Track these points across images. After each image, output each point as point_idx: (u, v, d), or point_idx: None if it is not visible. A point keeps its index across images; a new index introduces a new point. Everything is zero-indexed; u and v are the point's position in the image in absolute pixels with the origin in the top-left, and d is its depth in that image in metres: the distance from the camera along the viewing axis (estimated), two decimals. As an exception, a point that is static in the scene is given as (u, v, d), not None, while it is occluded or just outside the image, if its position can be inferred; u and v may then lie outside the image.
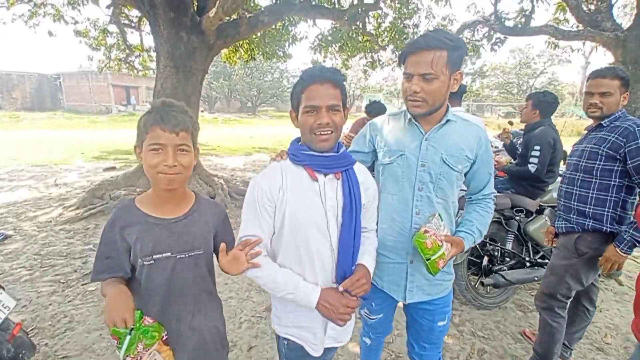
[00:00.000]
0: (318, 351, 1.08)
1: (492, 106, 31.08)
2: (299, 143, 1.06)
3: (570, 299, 1.76)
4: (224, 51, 7.43)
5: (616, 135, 1.55)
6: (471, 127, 1.20)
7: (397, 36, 7.44)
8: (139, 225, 0.96)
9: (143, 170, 5.01)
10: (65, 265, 3.04)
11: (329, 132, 0.97)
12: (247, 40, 7.00)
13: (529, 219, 2.48)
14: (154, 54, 7.60)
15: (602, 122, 1.64)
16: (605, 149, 1.57)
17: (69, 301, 2.50)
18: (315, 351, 1.08)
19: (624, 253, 1.49)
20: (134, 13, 7.26)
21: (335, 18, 5.82)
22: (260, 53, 7.68)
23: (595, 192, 1.62)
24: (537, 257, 2.53)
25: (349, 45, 7.79)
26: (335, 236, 1.02)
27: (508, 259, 2.48)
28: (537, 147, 2.28)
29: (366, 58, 8.72)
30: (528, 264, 2.47)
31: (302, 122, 0.99)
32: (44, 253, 3.27)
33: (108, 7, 6.44)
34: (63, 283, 2.74)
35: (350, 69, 10.61)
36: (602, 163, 1.59)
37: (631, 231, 1.47)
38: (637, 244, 1.47)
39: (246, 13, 4.81)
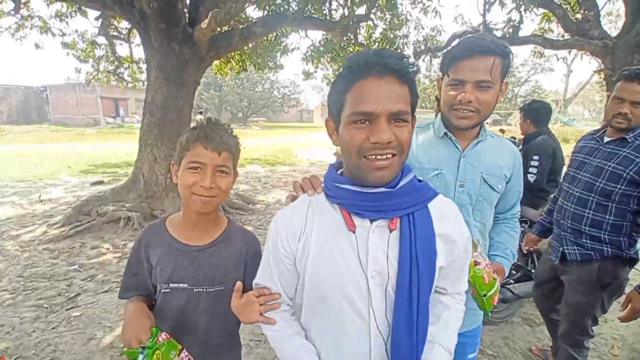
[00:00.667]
0: None
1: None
2: (339, 171, 0.75)
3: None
4: (216, 62, 7.39)
5: None
6: (505, 143, 1.10)
7: (387, 46, 7.53)
8: (162, 248, 0.90)
9: (132, 185, 4.82)
10: (49, 288, 2.87)
11: (390, 154, 0.63)
12: (238, 52, 6.98)
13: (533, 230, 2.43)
14: (143, 66, 7.52)
15: (627, 137, 1.44)
16: (631, 173, 1.38)
17: (53, 328, 2.34)
18: None
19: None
20: (124, 25, 7.19)
21: (327, 29, 5.84)
22: (252, 64, 7.66)
23: (612, 217, 1.47)
24: (542, 268, 2.47)
25: (341, 55, 7.83)
26: (382, 318, 0.68)
27: (514, 272, 2.42)
28: (536, 157, 2.26)
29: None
30: (534, 276, 2.41)
31: (346, 139, 0.64)
32: (26, 275, 3.09)
33: (97, 19, 6.35)
34: (47, 308, 2.58)
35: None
36: (623, 187, 1.41)
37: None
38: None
39: (239, 24, 4.78)
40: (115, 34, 7.32)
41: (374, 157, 0.62)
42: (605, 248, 1.50)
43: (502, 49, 0.92)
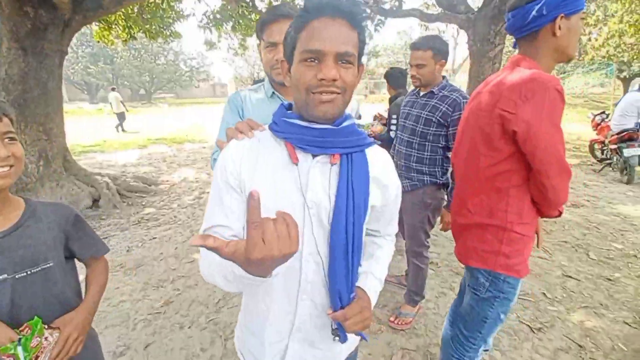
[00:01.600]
0: None
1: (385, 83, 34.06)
2: (289, 110, 0.77)
3: (429, 239, 2.15)
4: (95, 29, 6.38)
5: (446, 106, 1.78)
6: None
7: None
8: None
9: None
10: None
11: (336, 92, 0.66)
12: (121, 16, 6.13)
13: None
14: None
15: (433, 90, 1.84)
16: (437, 117, 1.81)
17: None
18: None
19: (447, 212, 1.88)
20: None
21: (220, -6, 5.51)
22: (142, 31, 6.83)
23: (429, 153, 1.91)
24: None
25: (241, 24, 7.50)
26: (322, 246, 0.72)
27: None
28: (394, 116, 2.65)
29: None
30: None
31: (297, 76, 0.67)
32: None
33: None
34: None
35: (248, 50, 10.27)
36: (434, 129, 1.84)
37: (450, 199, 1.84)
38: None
39: (109, -16, 4.17)
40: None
41: (320, 93, 0.66)
42: (425, 178, 1.96)
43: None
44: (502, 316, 1.20)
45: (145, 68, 31.56)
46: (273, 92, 1.19)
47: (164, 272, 2.80)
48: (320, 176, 0.72)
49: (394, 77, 2.85)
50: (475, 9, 6.38)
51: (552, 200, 1.03)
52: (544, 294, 2.47)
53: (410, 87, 2.12)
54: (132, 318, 2.24)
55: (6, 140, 0.80)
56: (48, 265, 0.87)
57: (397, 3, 6.68)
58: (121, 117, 11.57)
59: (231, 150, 0.75)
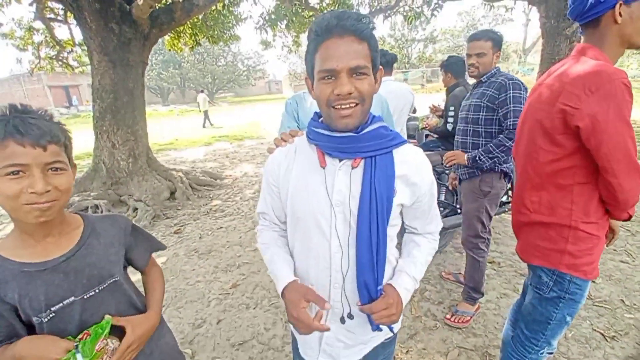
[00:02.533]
0: None
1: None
2: (320, 119, 0.86)
3: (487, 232, 2.07)
4: (167, 39, 7.11)
5: (492, 90, 1.79)
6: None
7: (341, 8, 7.46)
8: (15, 281, 0.73)
9: (94, 173, 4.84)
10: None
11: (353, 104, 0.73)
12: (188, 26, 6.74)
13: (458, 172, 2.79)
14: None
15: (482, 79, 1.88)
16: (485, 102, 1.82)
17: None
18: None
19: (466, 161, 1.89)
20: (60, 5, 6.69)
21: (275, -5, 5.73)
22: (205, 37, 7.42)
23: (484, 139, 1.88)
24: (467, 204, 2.87)
25: (295, 21, 7.70)
26: (346, 239, 0.81)
27: (442, 209, 2.79)
28: (452, 108, 2.55)
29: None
30: (459, 210, 2.80)
31: (317, 92, 0.76)
32: None
33: (30, 3, 5.91)
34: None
35: (301, 46, 10.50)
36: (484, 114, 1.84)
37: (480, 151, 1.83)
38: (478, 161, 1.84)
39: (179, -2, 4.63)
40: (52, 16, 6.83)
41: (339, 106, 0.73)
42: (483, 166, 1.89)
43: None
44: (567, 318, 1.14)
45: (208, 70, 34.00)
46: None
47: (231, 258, 3.10)
48: (344, 178, 0.80)
49: (454, 65, 2.72)
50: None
51: (621, 200, 0.96)
52: (622, 300, 2.22)
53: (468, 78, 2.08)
54: (206, 296, 2.54)
55: (50, 171, 0.71)
56: (114, 279, 0.85)
57: (456, -16, 6.27)
58: (206, 114, 13.77)
59: (273, 157, 0.91)
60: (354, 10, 0.77)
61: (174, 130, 12.56)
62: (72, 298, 0.78)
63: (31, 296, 0.74)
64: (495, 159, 1.82)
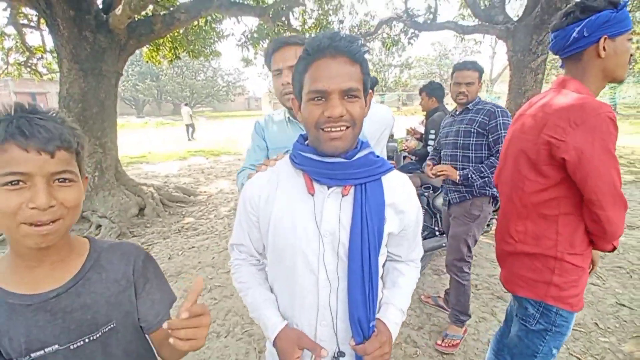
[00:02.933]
0: None
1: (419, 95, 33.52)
2: (306, 141, 0.81)
3: (471, 256, 2.07)
4: (145, 51, 6.95)
5: (482, 116, 1.87)
6: None
7: (322, 32, 7.66)
8: None
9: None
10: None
11: (343, 127, 0.69)
12: (168, 39, 6.63)
13: (436, 194, 2.82)
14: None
15: (469, 106, 1.96)
16: (475, 128, 1.89)
17: None
18: None
19: (458, 179, 1.89)
20: (34, 12, 6.42)
21: (258, 15, 5.79)
22: (185, 51, 7.33)
23: (474, 164, 1.92)
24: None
25: (277, 41, 7.81)
26: (334, 272, 0.76)
27: (422, 231, 2.80)
28: (433, 131, 2.61)
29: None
30: (437, 233, 2.82)
31: (306, 114, 0.71)
32: None
33: (4, 8, 5.63)
34: None
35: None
36: (474, 139, 1.90)
37: (472, 171, 1.85)
38: (470, 180, 1.86)
39: (160, 10, 4.57)
40: (26, 22, 6.52)
41: (329, 129, 0.69)
42: (473, 189, 1.93)
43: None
44: (554, 351, 1.12)
45: (187, 84, 33.58)
46: (289, 117, 1.28)
47: (202, 280, 2.91)
48: (334, 207, 0.75)
49: (438, 91, 2.81)
50: (515, 18, 6.17)
51: (609, 232, 0.96)
52: (596, 323, 2.26)
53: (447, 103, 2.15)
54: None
55: (56, 183, 0.58)
56: (110, 327, 0.67)
57: (431, 16, 6.64)
58: (191, 127, 13.69)
59: (252, 183, 0.83)
60: None
61: (150, 143, 12.11)
62: (56, 346, 0.62)
63: (11, 335, 0.60)
64: (486, 179, 1.86)
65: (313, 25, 7.89)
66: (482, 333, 2.19)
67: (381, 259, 0.82)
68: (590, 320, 2.30)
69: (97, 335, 0.66)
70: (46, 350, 0.62)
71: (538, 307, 1.10)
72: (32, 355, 0.61)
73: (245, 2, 6.04)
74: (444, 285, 2.73)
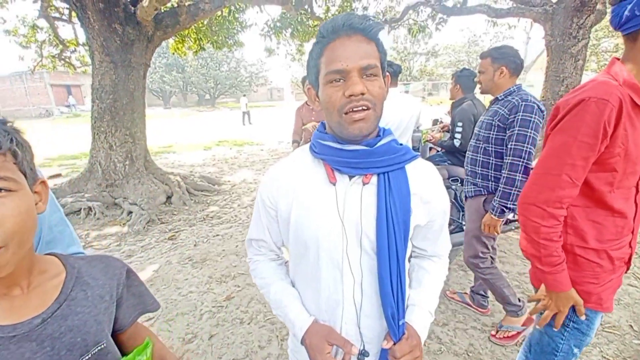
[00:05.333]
0: None
1: (446, 84, 32.37)
2: (325, 129, 0.78)
3: (489, 252, 1.98)
4: (171, 42, 7.09)
5: (505, 109, 1.71)
6: None
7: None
8: None
9: (90, 174, 4.74)
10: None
11: (365, 107, 0.66)
12: (193, 30, 6.72)
13: (464, 187, 2.70)
14: (90, 49, 7.12)
15: (498, 96, 1.80)
16: (496, 121, 1.74)
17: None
18: None
19: (497, 217, 1.74)
20: (65, 5, 6.69)
21: (281, 3, 5.74)
22: (210, 42, 7.42)
23: (493, 158, 1.80)
24: (473, 220, 2.78)
25: (300, 30, 7.73)
26: (357, 264, 0.73)
27: (448, 225, 2.71)
28: (460, 124, 2.48)
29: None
30: (464, 227, 2.71)
31: (326, 99, 0.68)
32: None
33: (35, 1, 5.89)
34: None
35: (304, 55, 10.55)
36: (495, 133, 1.76)
37: (498, 199, 1.70)
38: (506, 210, 1.70)
39: (185, 1, 4.61)
40: (57, 15, 6.81)
41: (352, 111, 0.66)
42: (490, 184, 1.83)
43: None
44: (575, 350, 1.06)
45: (211, 75, 34.12)
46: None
47: (226, 268, 2.98)
48: (356, 196, 0.72)
49: (466, 79, 2.66)
50: (554, 0, 5.75)
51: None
52: (631, 325, 2.13)
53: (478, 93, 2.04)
54: (198, 308, 2.42)
55: None
56: (100, 347, 0.61)
57: (460, 0, 6.32)
58: (247, 114, 16.52)
59: (269, 176, 0.80)
60: None
61: (174, 133, 12.48)
62: None
63: None
64: (517, 193, 1.67)
65: (337, 12, 7.74)
66: (510, 332, 2.11)
67: (407, 253, 0.77)
68: (626, 322, 2.16)
69: (87, 358, 0.59)
70: None
71: None
72: None
73: (269, -9, 5.98)
74: (469, 282, 2.64)
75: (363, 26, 0.65)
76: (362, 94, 0.64)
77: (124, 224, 4.04)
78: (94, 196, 4.40)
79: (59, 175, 6.66)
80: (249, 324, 2.24)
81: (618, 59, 0.96)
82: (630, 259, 1.04)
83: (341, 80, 0.66)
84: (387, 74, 0.73)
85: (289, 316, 0.78)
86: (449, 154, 2.82)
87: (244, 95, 17.82)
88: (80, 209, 4.27)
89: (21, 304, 0.55)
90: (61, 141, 11.56)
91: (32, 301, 0.56)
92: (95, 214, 4.24)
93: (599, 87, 0.88)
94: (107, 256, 0.70)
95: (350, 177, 0.73)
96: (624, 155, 0.89)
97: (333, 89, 0.66)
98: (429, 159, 3.01)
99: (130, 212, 4.19)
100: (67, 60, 8.21)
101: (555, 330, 1.05)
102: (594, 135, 0.86)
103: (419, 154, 0.81)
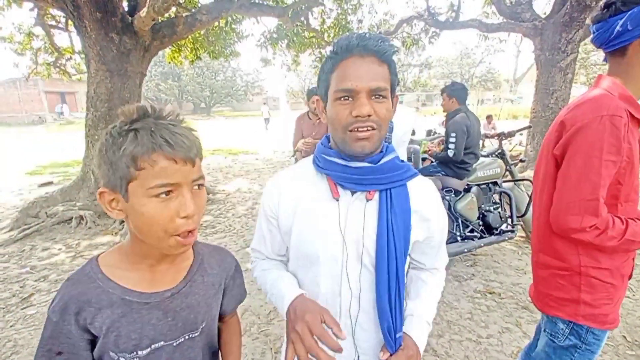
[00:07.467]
0: None
1: (439, 95, 32.84)
2: (329, 143, 0.78)
3: None
4: (167, 51, 7.13)
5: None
6: None
7: (341, 32, 7.62)
8: (110, 309, 0.61)
9: (82, 183, 4.67)
10: (3, 290, 2.83)
11: (370, 128, 0.67)
12: (190, 40, 6.77)
13: (458, 198, 2.74)
14: (85, 57, 7.12)
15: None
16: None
17: (11, 326, 2.36)
18: None
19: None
20: (61, 13, 6.71)
21: (278, 15, 5.83)
22: (206, 52, 7.47)
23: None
24: (466, 231, 2.80)
25: (296, 41, 7.83)
26: (356, 280, 0.73)
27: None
28: (453, 135, 2.53)
29: (314, 54, 8.79)
30: (459, 238, 2.73)
31: (332, 115, 0.69)
32: (-29, 281, 2.98)
33: (31, 9, 5.90)
34: (3, 308, 2.57)
35: (300, 65, 10.65)
36: None
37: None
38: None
39: (182, 12, 4.66)
40: (53, 23, 6.82)
41: (356, 130, 0.67)
42: None
43: None
44: None
45: (206, 84, 34.27)
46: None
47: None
48: (359, 212, 0.73)
49: (459, 91, 2.71)
50: (542, 15, 5.93)
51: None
52: (624, 336, 2.14)
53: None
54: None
55: (195, 189, 0.60)
56: (202, 326, 0.71)
57: (453, 14, 6.48)
58: (267, 121, 18.20)
59: (271, 188, 0.81)
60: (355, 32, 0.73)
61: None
62: (162, 342, 0.65)
63: (120, 332, 0.61)
64: None
65: (332, 25, 7.86)
66: (505, 345, 2.10)
67: (406, 267, 0.78)
68: (619, 333, 2.18)
69: (196, 334, 0.70)
70: (153, 346, 0.64)
71: (568, 323, 1.03)
72: (139, 352, 0.63)
73: (265, 3, 6.08)
74: (464, 292, 2.65)
75: (377, 48, 0.66)
76: (369, 115, 0.66)
77: (115, 233, 3.99)
78: (86, 205, 4.34)
79: (50, 183, 6.57)
80: (242, 336, 2.21)
81: (605, 75, 0.99)
82: (632, 272, 1.04)
83: (350, 99, 0.67)
84: (397, 96, 0.74)
85: (281, 291, 0.74)
86: (443, 165, 2.85)
87: (265, 104, 19.61)
88: (72, 217, 4.20)
89: (159, 277, 0.66)
90: (53, 148, 11.44)
91: (167, 277, 0.67)
92: (87, 222, 4.17)
93: (607, 103, 0.88)
94: (223, 249, 0.82)
95: (353, 193, 0.74)
96: (630, 169, 0.90)
97: (341, 106, 0.68)
98: (423, 170, 3.04)
99: (122, 222, 4.13)
100: (62, 67, 8.19)
101: (565, 350, 1.04)
102: (617, 152, 0.86)
103: (415, 169, 0.82)
